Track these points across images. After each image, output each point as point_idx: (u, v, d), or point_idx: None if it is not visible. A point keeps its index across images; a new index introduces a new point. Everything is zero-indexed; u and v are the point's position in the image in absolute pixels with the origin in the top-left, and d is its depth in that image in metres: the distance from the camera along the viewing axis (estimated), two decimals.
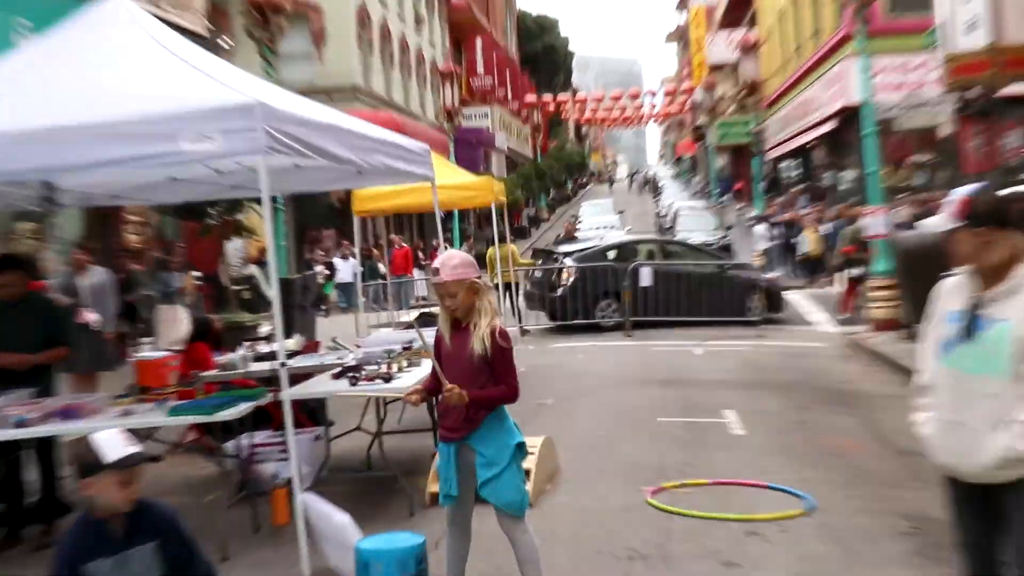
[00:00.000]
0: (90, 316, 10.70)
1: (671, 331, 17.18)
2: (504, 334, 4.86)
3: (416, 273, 27.81)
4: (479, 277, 4.94)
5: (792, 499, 7.11)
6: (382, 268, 26.99)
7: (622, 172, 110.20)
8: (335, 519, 5.63)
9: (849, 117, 25.67)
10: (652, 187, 76.45)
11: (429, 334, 8.97)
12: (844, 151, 30.60)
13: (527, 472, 6.88)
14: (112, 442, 3.72)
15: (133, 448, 3.71)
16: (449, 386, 4.86)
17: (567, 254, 19.52)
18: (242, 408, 6.64)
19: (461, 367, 4.88)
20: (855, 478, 7.70)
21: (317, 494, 6.30)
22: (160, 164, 5.82)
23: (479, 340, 4.82)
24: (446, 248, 10.02)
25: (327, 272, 23.11)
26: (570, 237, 22.44)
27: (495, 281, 17.28)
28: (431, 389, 5.11)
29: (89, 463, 3.67)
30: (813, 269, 25.61)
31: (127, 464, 3.70)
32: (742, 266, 19.19)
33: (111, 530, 3.79)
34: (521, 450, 4.95)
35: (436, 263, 4.95)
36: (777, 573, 5.68)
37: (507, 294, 16.77)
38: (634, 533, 6.47)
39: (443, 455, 4.99)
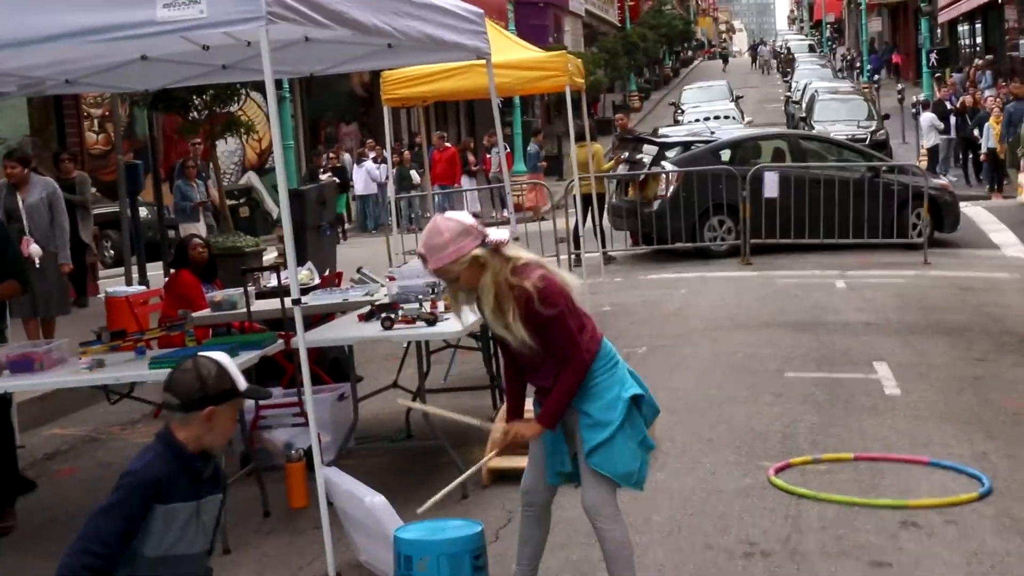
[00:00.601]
0: (31, 247, 10.92)
1: (804, 257, 17.14)
2: (545, 294, 4.81)
3: (465, 182, 27.92)
4: (482, 239, 4.88)
5: (962, 479, 7.17)
6: (416, 176, 27.12)
7: (740, 43, 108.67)
8: (366, 501, 5.82)
9: None
10: (782, 63, 75.41)
11: None
12: None
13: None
14: (233, 367, 4.22)
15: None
16: (503, 428, 5.02)
17: (666, 146, 19.35)
18: (245, 359, 6.84)
19: (523, 358, 5.03)
20: None
21: (343, 469, 6.51)
22: (128, 37, 5.95)
23: (512, 328, 4.87)
24: (502, 151, 9.99)
25: (336, 181, 23.27)
26: (628, 136, 21.84)
27: (573, 193, 17.35)
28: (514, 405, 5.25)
29: (209, 392, 4.07)
30: (1000, 172, 25.16)
31: (260, 396, 4.35)
32: (902, 169, 18.99)
33: (200, 472, 4.16)
34: (638, 405, 5.08)
35: (419, 247, 4.96)
36: (941, 575, 5.78)
37: (587, 210, 16.80)
38: (753, 522, 6.59)
39: None
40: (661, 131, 27.09)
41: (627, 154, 19.99)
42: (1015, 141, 22.89)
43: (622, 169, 19.41)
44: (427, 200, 21.86)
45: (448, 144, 28.48)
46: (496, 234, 4.97)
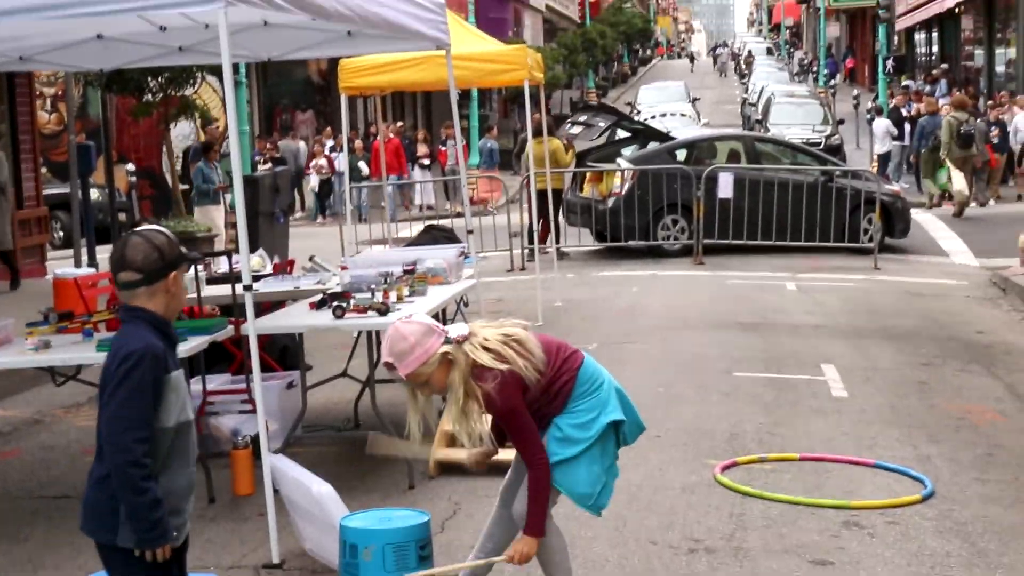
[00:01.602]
0: None
1: (756, 259, 17.26)
2: (492, 402, 4.80)
3: (418, 173, 27.84)
4: (445, 337, 4.84)
5: (906, 482, 7.26)
6: (364, 168, 26.90)
7: (699, 44, 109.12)
8: (313, 490, 5.82)
9: None
10: (739, 65, 75.79)
11: (437, 253, 9.13)
12: (1003, 17, 30.19)
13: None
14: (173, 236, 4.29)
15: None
16: (508, 557, 4.98)
17: (619, 142, 19.41)
18: (194, 344, 6.82)
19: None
20: (988, 457, 7.85)
21: (290, 458, 6.51)
22: (85, 14, 5.91)
23: (473, 431, 4.87)
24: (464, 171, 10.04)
25: (289, 169, 23.11)
26: (589, 104, 22.02)
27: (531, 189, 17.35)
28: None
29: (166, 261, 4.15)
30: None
31: (195, 259, 4.47)
32: (856, 174, 19.16)
33: (174, 337, 4.23)
34: (617, 431, 5.11)
35: (385, 355, 4.85)
36: (881, 575, 5.85)
37: (543, 207, 16.82)
38: (698, 519, 6.65)
39: None
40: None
41: (584, 117, 20.07)
42: (927, 154, 23.48)
43: (578, 141, 19.41)
44: (380, 191, 21.83)
45: (392, 135, 27.91)
46: (456, 329, 4.94)
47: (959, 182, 22.23)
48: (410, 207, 26.29)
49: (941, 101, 29.30)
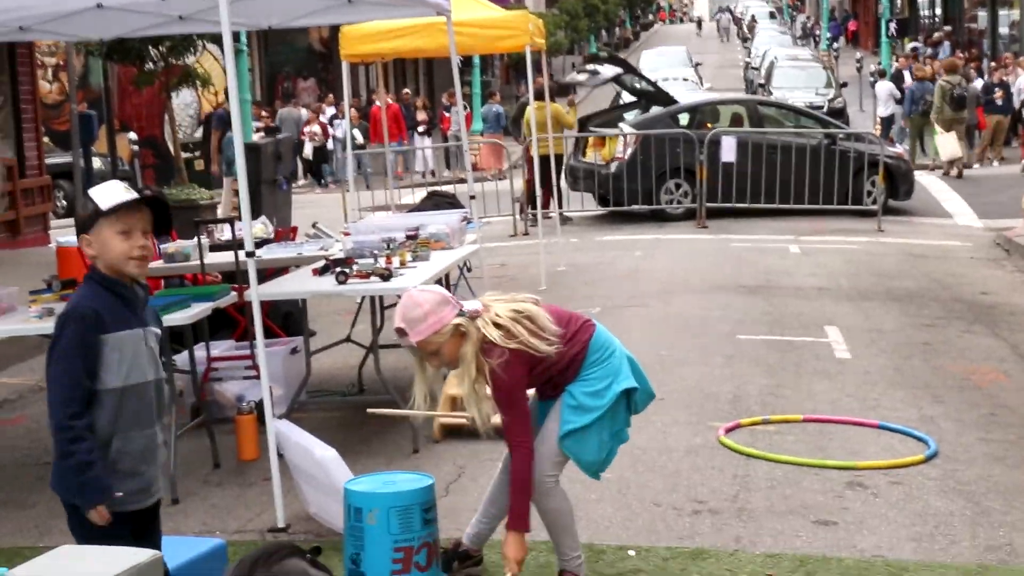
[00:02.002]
0: None
1: (759, 222, 17.23)
2: (496, 379, 4.81)
3: (416, 141, 27.72)
4: (459, 309, 4.85)
5: (909, 442, 7.27)
6: (359, 136, 26.68)
7: (700, 8, 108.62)
8: (317, 454, 5.82)
9: None
10: (743, 29, 75.46)
11: (440, 219, 9.11)
12: None
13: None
14: (110, 191, 4.07)
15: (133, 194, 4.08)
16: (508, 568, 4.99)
17: (628, 68, 19.37)
18: (197, 311, 6.82)
19: None
20: (992, 417, 7.85)
21: (294, 423, 6.51)
22: None
23: (481, 411, 4.87)
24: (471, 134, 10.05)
25: (290, 136, 22.90)
26: (600, 55, 22.04)
27: (532, 153, 17.31)
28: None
29: (83, 218, 4.10)
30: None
31: (121, 207, 4.02)
32: (859, 136, 19.10)
33: (130, 296, 4.12)
34: (629, 399, 5.11)
35: (398, 321, 4.85)
36: (885, 534, 5.86)
37: (545, 173, 16.78)
38: (702, 481, 6.66)
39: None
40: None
41: (591, 67, 20.08)
42: (917, 118, 23.90)
43: (583, 89, 19.50)
44: (380, 158, 21.80)
45: (391, 101, 27.57)
46: (470, 304, 4.93)
47: (951, 144, 22.28)
48: (403, 175, 26.10)
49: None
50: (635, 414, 5.25)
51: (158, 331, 4.25)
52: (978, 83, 25.10)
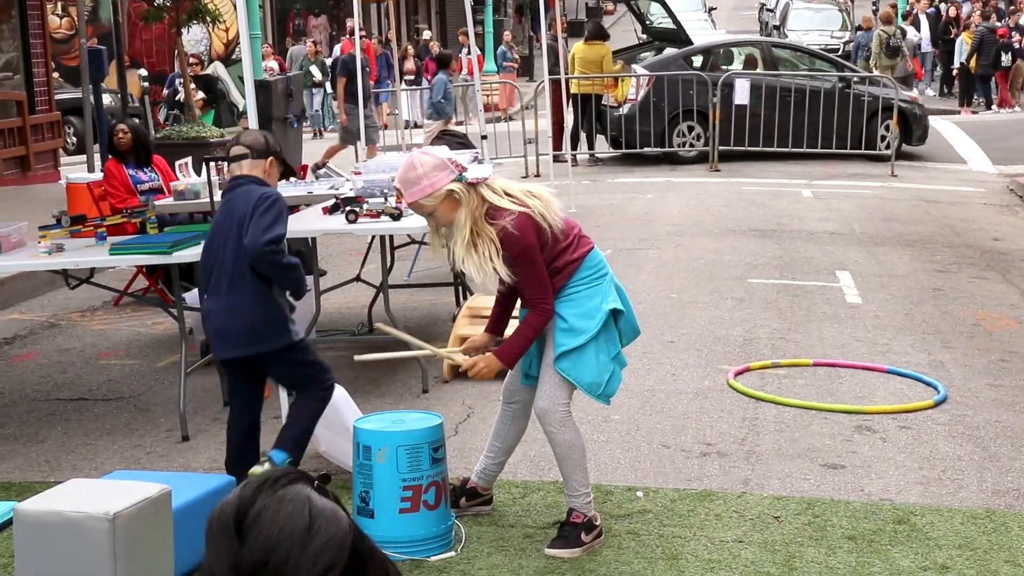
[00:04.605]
0: None
1: (772, 165, 17.16)
2: (508, 236, 4.81)
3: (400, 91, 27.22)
4: (458, 174, 4.86)
5: (918, 387, 7.28)
6: (317, 74, 25.60)
7: None
8: None
9: None
10: None
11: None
12: None
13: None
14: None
15: None
16: (468, 362, 5.06)
17: (635, 47, 19.33)
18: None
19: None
20: (1002, 363, 7.85)
21: None
22: None
23: (483, 268, 4.88)
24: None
25: (308, 72, 22.46)
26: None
27: (573, 92, 17.36)
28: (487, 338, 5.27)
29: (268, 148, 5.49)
30: (970, 86, 25.41)
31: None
32: (873, 80, 18.96)
33: None
34: (616, 318, 5.10)
35: (396, 180, 5.04)
36: (892, 478, 5.88)
37: (585, 114, 16.93)
38: (710, 424, 6.67)
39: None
40: None
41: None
42: (863, 63, 24.20)
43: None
44: (396, 96, 21.74)
45: (368, 37, 25.19)
46: (476, 171, 4.93)
47: None
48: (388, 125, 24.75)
49: (965, 8, 29.06)
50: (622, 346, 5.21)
51: None
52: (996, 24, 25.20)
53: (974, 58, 24.74)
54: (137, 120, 10.45)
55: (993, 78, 25.01)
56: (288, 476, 1.89)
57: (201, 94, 18.36)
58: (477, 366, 5.06)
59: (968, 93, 25.41)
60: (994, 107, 24.78)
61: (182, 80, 18.60)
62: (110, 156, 9.60)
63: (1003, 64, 24.58)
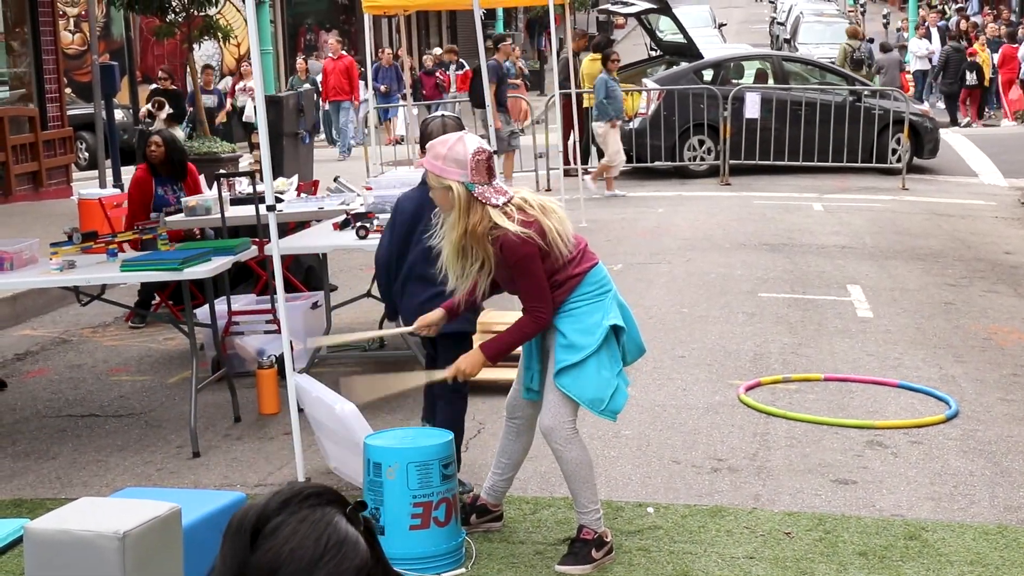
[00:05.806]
0: None
1: (783, 179, 17.14)
2: (507, 239, 4.81)
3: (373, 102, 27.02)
4: (469, 178, 4.86)
5: (930, 402, 7.26)
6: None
7: None
8: (337, 409, 5.84)
9: None
10: None
11: None
12: None
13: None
14: None
15: None
16: (451, 370, 5.06)
17: (645, 61, 19.30)
18: (218, 264, 6.82)
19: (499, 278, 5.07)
20: (1014, 377, 7.82)
21: (314, 377, 6.53)
22: None
23: (465, 275, 4.93)
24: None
25: (311, 89, 22.11)
26: None
27: (585, 106, 17.37)
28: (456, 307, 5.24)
29: None
30: (983, 100, 25.43)
31: None
32: (884, 93, 18.95)
33: None
34: (618, 334, 5.08)
35: (431, 141, 5.14)
36: (904, 494, 5.86)
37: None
38: (721, 439, 6.66)
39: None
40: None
41: None
42: None
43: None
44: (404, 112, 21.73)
45: (344, 52, 24.46)
46: (495, 197, 4.87)
47: None
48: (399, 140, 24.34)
49: (973, 20, 29.04)
50: (625, 366, 5.18)
51: None
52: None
53: (939, 76, 25.66)
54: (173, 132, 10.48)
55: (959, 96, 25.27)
56: (321, 497, 1.87)
57: (168, 109, 18.34)
58: (459, 368, 5.05)
59: (979, 107, 25.48)
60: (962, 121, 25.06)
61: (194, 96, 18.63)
62: (143, 163, 9.58)
63: (968, 83, 24.97)
